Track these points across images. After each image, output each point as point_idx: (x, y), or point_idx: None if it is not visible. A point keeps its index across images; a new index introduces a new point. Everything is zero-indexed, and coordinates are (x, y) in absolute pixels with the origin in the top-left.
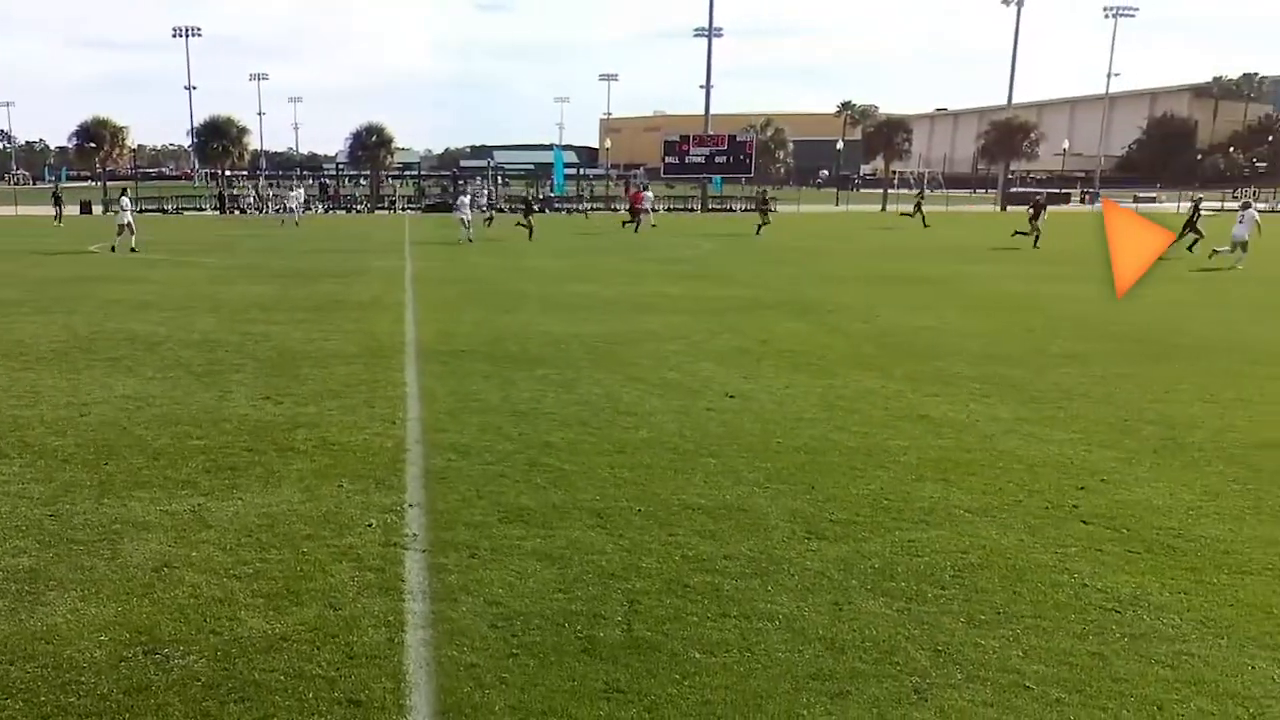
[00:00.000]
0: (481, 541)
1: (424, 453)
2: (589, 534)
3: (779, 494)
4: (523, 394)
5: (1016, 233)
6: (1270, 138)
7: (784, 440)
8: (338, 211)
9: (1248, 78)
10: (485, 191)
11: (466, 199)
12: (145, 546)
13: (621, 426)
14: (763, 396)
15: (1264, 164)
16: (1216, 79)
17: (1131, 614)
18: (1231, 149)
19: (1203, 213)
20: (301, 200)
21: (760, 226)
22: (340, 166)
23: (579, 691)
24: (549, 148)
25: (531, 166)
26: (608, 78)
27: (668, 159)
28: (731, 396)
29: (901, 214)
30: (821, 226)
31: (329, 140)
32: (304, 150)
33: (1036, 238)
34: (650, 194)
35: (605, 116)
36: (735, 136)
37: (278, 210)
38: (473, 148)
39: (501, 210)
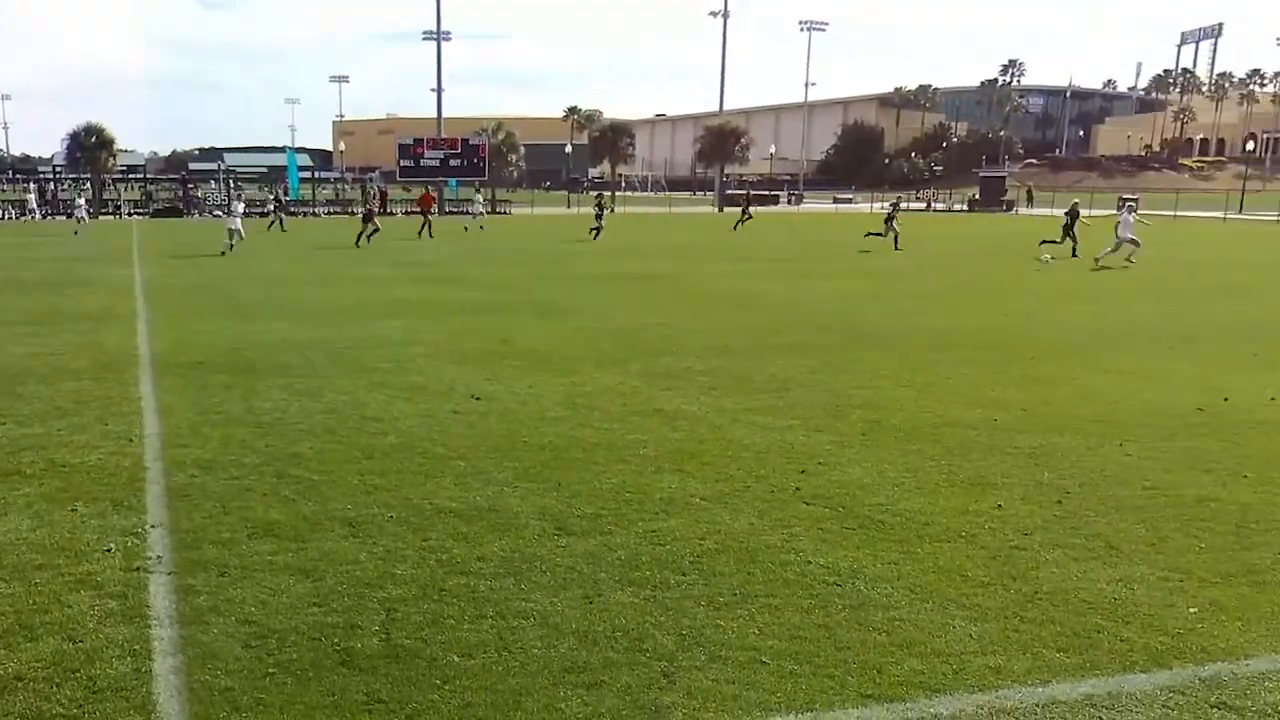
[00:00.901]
0: (231, 559)
1: (164, 470)
2: (342, 544)
3: (528, 493)
4: (266, 404)
5: (870, 234)
6: (944, 144)
7: (530, 439)
8: (58, 217)
9: (923, 89)
10: (271, 195)
11: (240, 206)
12: None
13: (369, 433)
14: (507, 397)
15: (940, 168)
16: (897, 90)
17: (850, 586)
18: (913, 154)
19: (1081, 217)
20: (83, 204)
21: (597, 231)
22: (58, 169)
23: (339, 706)
24: (282, 150)
25: (265, 170)
26: (339, 79)
27: (403, 162)
28: (477, 398)
29: (735, 227)
30: (556, 228)
31: (43, 141)
32: (15, 152)
33: (896, 238)
34: (480, 196)
35: (338, 119)
36: (468, 140)
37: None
38: (201, 150)
39: (292, 214)
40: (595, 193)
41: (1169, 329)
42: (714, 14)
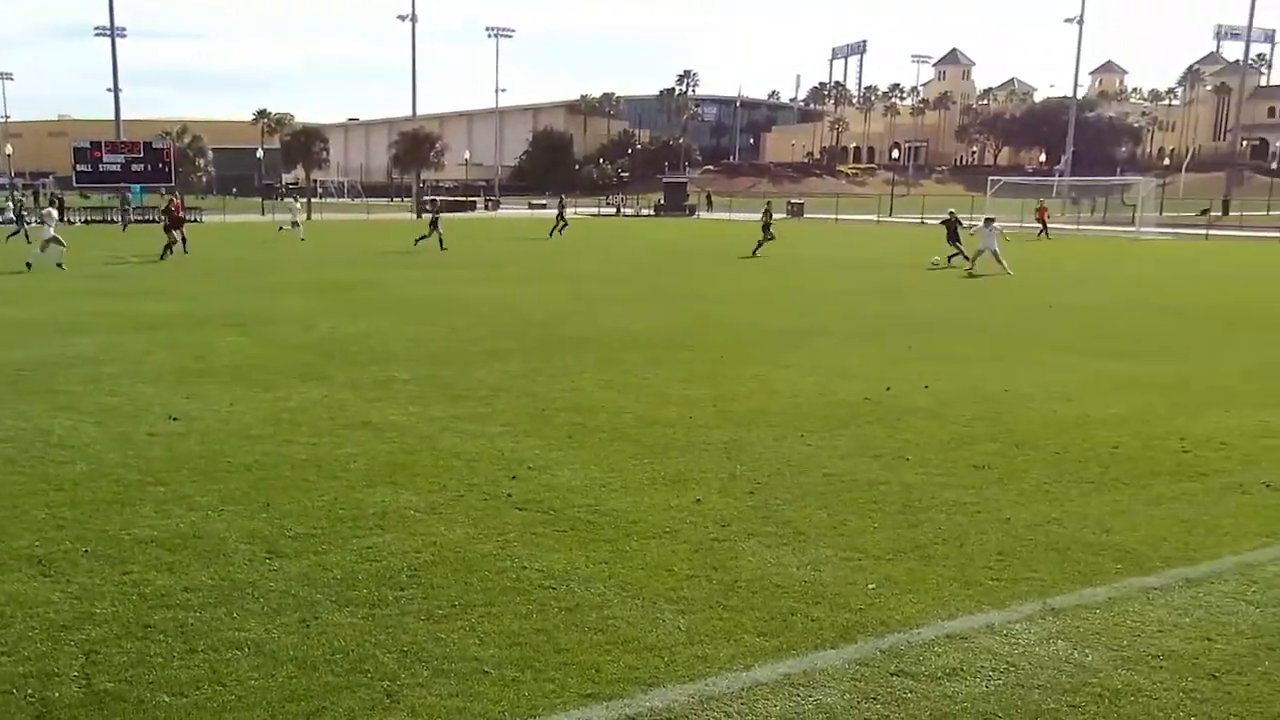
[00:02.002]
0: None
1: None
2: (30, 585)
3: (235, 516)
4: None
5: (761, 240)
6: (629, 150)
7: (234, 459)
8: None
9: (607, 96)
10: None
11: (54, 212)
12: None
13: (56, 461)
14: (208, 416)
15: (627, 174)
16: (583, 97)
17: (565, 588)
18: (601, 160)
19: (962, 224)
20: None
21: (440, 239)
22: None
23: None
24: None
25: None
26: (2, 77)
27: (79, 167)
28: (175, 419)
29: (550, 235)
30: (252, 236)
31: None
32: None
33: (760, 244)
34: (298, 203)
35: (3, 120)
36: (151, 143)
37: None
38: None
39: (30, 223)
40: (429, 198)
41: (839, 326)
42: (402, 18)
